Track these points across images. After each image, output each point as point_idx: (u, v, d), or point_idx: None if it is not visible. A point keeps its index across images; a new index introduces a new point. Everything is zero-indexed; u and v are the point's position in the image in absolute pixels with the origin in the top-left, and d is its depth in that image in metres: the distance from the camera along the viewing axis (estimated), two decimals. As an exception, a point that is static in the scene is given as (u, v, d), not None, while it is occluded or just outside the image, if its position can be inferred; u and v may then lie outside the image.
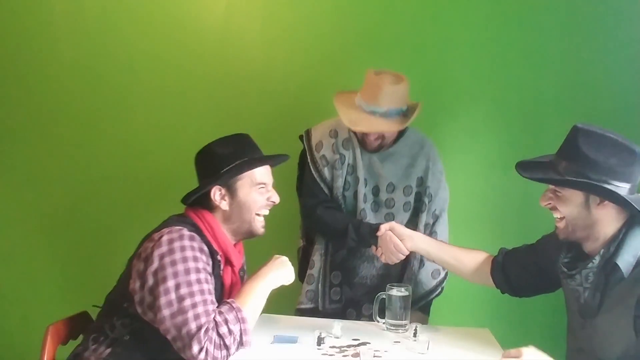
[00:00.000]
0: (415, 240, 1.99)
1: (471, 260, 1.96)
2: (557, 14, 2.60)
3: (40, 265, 2.85)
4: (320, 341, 1.74)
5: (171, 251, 1.52)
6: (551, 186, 1.60)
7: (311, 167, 2.17)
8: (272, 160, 1.80)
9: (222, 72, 2.75)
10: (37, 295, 2.84)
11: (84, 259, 2.82)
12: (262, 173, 1.73)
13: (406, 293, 1.93)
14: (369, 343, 1.78)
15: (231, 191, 1.69)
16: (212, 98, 2.76)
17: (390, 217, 2.17)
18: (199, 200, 1.71)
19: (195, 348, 1.45)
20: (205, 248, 1.60)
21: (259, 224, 1.75)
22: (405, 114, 2.09)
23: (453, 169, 2.63)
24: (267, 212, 1.76)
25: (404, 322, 1.92)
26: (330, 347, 1.72)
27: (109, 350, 1.58)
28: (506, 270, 1.88)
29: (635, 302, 1.44)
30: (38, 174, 2.86)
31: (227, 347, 1.50)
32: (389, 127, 2.07)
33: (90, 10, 2.79)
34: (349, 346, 1.74)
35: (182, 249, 1.53)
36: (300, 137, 2.27)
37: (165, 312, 1.48)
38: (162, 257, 1.52)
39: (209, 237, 1.66)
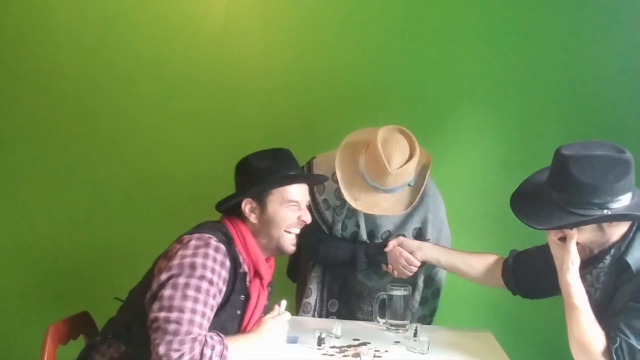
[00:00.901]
0: (424, 251, 2.00)
1: (482, 263, 1.96)
2: (557, 14, 2.60)
3: (40, 265, 2.85)
4: (320, 341, 1.73)
5: (194, 255, 1.52)
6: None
7: (312, 208, 2.07)
8: (308, 179, 1.79)
9: (222, 73, 2.75)
10: (37, 295, 2.84)
11: (84, 259, 2.81)
12: (296, 191, 1.70)
13: (406, 293, 1.93)
14: (369, 343, 1.77)
15: (261, 205, 1.67)
16: (212, 99, 2.76)
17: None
18: (234, 210, 1.70)
19: (175, 346, 1.41)
20: (228, 263, 1.58)
21: (288, 242, 1.71)
22: (413, 182, 2.00)
23: (453, 169, 2.63)
24: (297, 231, 1.73)
25: (404, 322, 1.93)
26: (331, 347, 1.72)
27: (124, 348, 1.57)
28: (517, 272, 1.88)
29: (630, 294, 1.47)
30: (38, 174, 2.86)
31: None
32: (393, 210, 1.97)
33: (91, 12, 2.79)
34: (349, 346, 1.74)
35: (205, 256, 1.52)
36: (302, 169, 2.14)
37: (165, 303, 1.46)
38: (183, 257, 1.52)
39: (239, 247, 1.64)
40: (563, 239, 1.56)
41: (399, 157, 1.88)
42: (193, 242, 1.55)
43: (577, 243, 1.56)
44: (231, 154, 2.72)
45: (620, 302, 1.50)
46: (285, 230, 1.69)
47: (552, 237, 1.59)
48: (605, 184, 1.47)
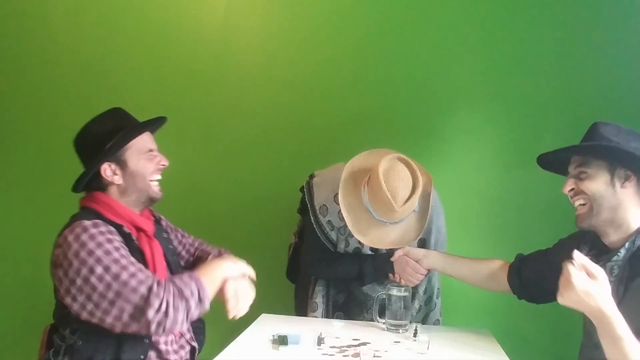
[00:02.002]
0: (430, 259, 2.01)
1: (487, 269, 1.96)
2: (557, 13, 2.60)
3: (40, 265, 2.84)
4: (320, 341, 1.74)
5: (83, 245, 1.49)
6: (574, 172, 1.59)
7: (316, 228, 2.08)
8: (153, 125, 1.78)
9: (221, 71, 2.75)
10: (37, 295, 2.83)
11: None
12: (147, 140, 1.72)
13: (406, 293, 1.94)
14: (369, 343, 1.78)
15: (121, 164, 1.66)
16: (211, 98, 2.76)
17: None
18: (89, 186, 1.69)
19: (156, 303, 1.43)
20: (112, 229, 1.58)
21: (155, 189, 1.72)
22: (417, 207, 1.98)
23: (453, 168, 2.63)
24: (159, 177, 1.74)
25: (404, 322, 1.93)
26: (331, 347, 1.72)
27: (67, 358, 1.57)
28: (522, 275, 1.87)
29: None
30: (38, 174, 2.86)
31: (186, 299, 1.48)
32: (403, 242, 1.97)
33: (91, 13, 2.79)
34: (349, 346, 1.74)
35: (92, 237, 1.50)
36: (302, 189, 2.17)
37: (110, 295, 1.45)
38: (77, 254, 1.49)
39: (109, 216, 1.62)
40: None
41: (403, 190, 1.86)
42: (71, 237, 1.51)
43: (584, 204, 1.56)
44: (231, 152, 2.77)
45: (634, 299, 1.47)
46: (150, 180, 1.70)
47: (565, 189, 1.59)
48: (627, 145, 1.51)
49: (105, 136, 1.65)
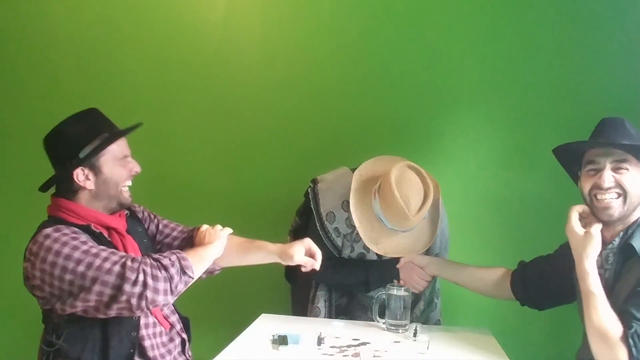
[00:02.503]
0: (435, 266, 2.03)
1: (492, 276, 1.97)
2: (557, 13, 2.60)
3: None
4: (320, 341, 1.74)
5: (48, 249, 1.48)
6: (612, 166, 1.59)
7: (322, 235, 2.07)
8: (130, 131, 1.75)
9: (221, 72, 2.75)
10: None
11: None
12: (122, 145, 1.69)
13: (406, 293, 1.93)
14: (369, 343, 1.78)
15: (95, 169, 1.62)
16: (211, 98, 2.76)
17: None
18: (58, 188, 1.67)
19: (132, 276, 1.43)
20: (76, 228, 1.56)
21: (126, 195, 1.70)
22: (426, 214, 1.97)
23: (453, 168, 2.63)
24: (130, 183, 1.72)
25: (404, 322, 1.92)
26: (331, 347, 1.72)
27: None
28: (525, 281, 1.89)
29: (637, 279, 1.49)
30: (38, 174, 2.83)
31: (165, 268, 1.47)
32: (415, 249, 1.98)
33: (91, 13, 2.79)
34: (349, 346, 1.74)
35: (56, 240, 1.49)
36: (306, 195, 2.16)
37: (87, 283, 1.44)
38: (44, 260, 1.47)
39: (75, 221, 1.60)
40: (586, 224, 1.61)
41: (416, 199, 1.86)
42: (35, 247, 1.50)
43: (619, 196, 1.58)
44: (231, 152, 2.76)
45: (625, 286, 1.52)
46: (122, 187, 1.67)
47: (606, 184, 1.59)
48: None
49: (80, 139, 1.61)
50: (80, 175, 1.61)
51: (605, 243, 1.61)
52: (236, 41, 2.75)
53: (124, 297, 1.43)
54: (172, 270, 1.48)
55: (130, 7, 2.78)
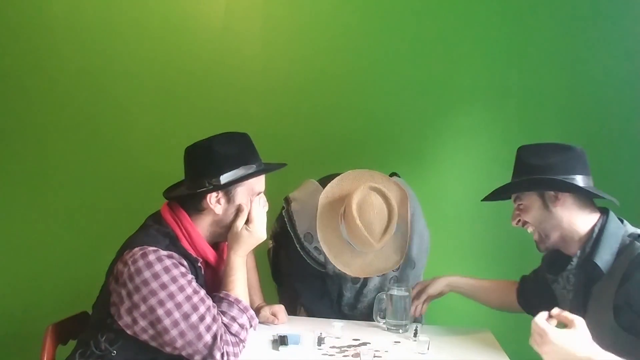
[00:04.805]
0: (449, 289, 1.99)
1: (500, 291, 1.98)
2: (557, 13, 2.60)
3: (41, 265, 2.85)
4: (320, 341, 1.73)
5: (155, 276, 1.46)
6: (515, 205, 1.69)
7: (303, 254, 2.09)
8: (273, 169, 1.74)
9: (221, 73, 2.75)
10: (37, 295, 2.83)
11: (85, 259, 2.81)
12: (261, 182, 1.68)
13: (406, 293, 1.94)
14: (369, 343, 1.78)
15: (228, 197, 1.61)
16: (211, 99, 2.76)
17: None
18: (182, 196, 1.65)
19: (218, 356, 1.47)
20: (184, 261, 1.55)
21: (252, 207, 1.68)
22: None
23: (453, 168, 2.63)
24: None
25: (404, 322, 1.92)
26: (331, 347, 1.72)
27: None
28: (526, 295, 1.90)
29: (614, 292, 1.47)
30: (38, 174, 2.85)
31: (242, 341, 1.55)
32: (387, 267, 1.99)
33: (91, 12, 2.79)
34: (349, 346, 1.74)
35: (167, 270, 1.48)
36: (280, 217, 2.15)
37: (174, 332, 1.46)
38: (146, 283, 1.46)
39: (186, 245, 1.59)
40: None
41: (379, 224, 1.88)
42: (141, 263, 1.47)
43: (533, 230, 1.65)
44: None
45: (601, 307, 1.51)
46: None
47: (513, 223, 1.69)
48: (547, 164, 1.59)
49: (226, 163, 1.60)
50: (213, 198, 1.60)
51: (564, 262, 1.63)
52: (236, 42, 2.75)
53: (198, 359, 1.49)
54: (246, 337, 1.57)
55: (130, 7, 2.78)
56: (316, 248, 2.07)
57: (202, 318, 1.47)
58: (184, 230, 1.60)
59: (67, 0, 2.81)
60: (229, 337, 1.51)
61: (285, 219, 2.11)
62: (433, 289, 1.98)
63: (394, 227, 1.90)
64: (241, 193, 1.62)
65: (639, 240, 1.52)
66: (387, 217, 1.89)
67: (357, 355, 1.65)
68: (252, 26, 2.74)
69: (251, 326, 1.59)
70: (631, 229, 1.58)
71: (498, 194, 1.70)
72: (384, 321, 1.95)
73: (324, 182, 2.09)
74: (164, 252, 1.50)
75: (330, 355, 1.66)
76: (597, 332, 1.51)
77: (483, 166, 2.65)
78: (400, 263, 2.02)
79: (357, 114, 2.69)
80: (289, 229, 2.10)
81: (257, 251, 2.49)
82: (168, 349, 1.49)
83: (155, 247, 1.51)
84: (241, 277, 1.61)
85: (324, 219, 1.97)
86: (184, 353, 1.49)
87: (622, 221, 1.60)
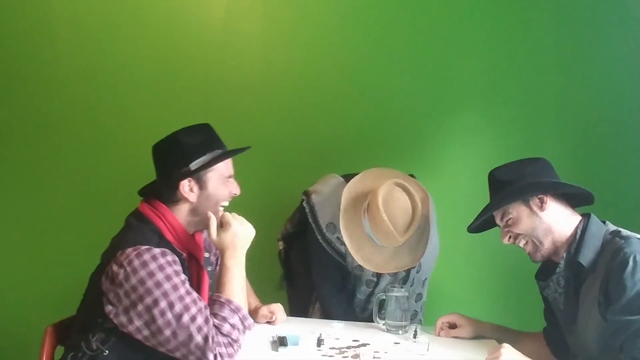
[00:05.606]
0: (480, 329, 1.93)
1: (532, 343, 1.85)
2: (557, 13, 2.60)
3: (40, 265, 2.85)
4: (320, 342, 1.73)
5: (151, 274, 1.48)
6: (502, 223, 1.70)
7: (324, 245, 2.12)
8: (239, 152, 1.76)
9: (221, 72, 2.74)
10: (37, 295, 2.83)
11: (85, 259, 2.80)
12: (229, 165, 1.71)
13: (406, 294, 1.94)
14: (369, 344, 1.78)
15: (200, 183, 1.64)
16: (212, 99, 2.75)
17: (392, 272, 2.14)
18: (156, 191, 1.67)
19: (211, 356, 1.47)
20: (176, 257, 1.57)
21: (221, 214, 1.70)
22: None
23: (453, 168, 2.63)
24: (227, 204, 1.73)
25: (403, 323, 1.92)
26: (330, 348, 1.72)
27: None
28: (556, 345, 1.81)
29: (598, 288, 1.52)
30: (38, 174, 2.85)
31: (235, 341, 1.53)
32: (408, 263, 2.00)
33: (90, 12, 2.79)
34: (348, 347, 1.73)
35: (161, 268, 1.50)
36: (301, 209, 2.18)
37: (167, 333, 1.47)
38: (142, 281, 1.48)
39: (171, 239, 1.62)
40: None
41: (403, 218, 1.91)
42: (137, 262, 1.49)
43: (526, 242, 1.67)
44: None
45: (589, 300, 1.55)
46: (220, 206, 1.69)
47: (504, 241, 1.71)
48: (522, 176, 1.64)
49: (194, 150, 1.64)
50: (186, 186, 1.63)
51: (553, 266, 1.66)
52: (236, 41, 2.74)
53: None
54: (240, 339, 1.55)
55: (130, 8, 2.77)
56: (338, 238, 2.09)
57: (193, 319, 1.48)
58: (167, 224, 1.63)
59: (68, -1, 2.82)
60: (220, 339, 1.50)
61: (307, 210, 2.13)
62: (463, 335, 1.91)
63: (417, 223, 1.92)
64: (212, 178, 1.65)
65: (619, 235, 1.56)
66: (411, 212, 1.91)
67: (356, 356, 1.65)
68: (252, 26, 2.74)
69: (244, 326, 1.57)
70: (612, 227, 1.63)
71: (484, 215, 1.70)
72: (384, 322, 1.95)
73: (345, 178, 2.12)
74: (157, 250, 1.52)
75: (329, 356, 1.66)
76: (588, 328, 1.54)
77: (481, 169, 2.64)
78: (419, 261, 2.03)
79: (357, 114, 2.68)
80: (309, 220, 2.13)
81: (264, 254, 2.52)
82: (163, 350, 1.50)
83: (148, 245, 1.53)
84: (233, 279, 1.60)
85: (348, 213, 2.00)
86: (178, 354, 1.49)
87: (604, 222, 1.65)
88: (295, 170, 2.66)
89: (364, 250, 1.98)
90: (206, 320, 1.50)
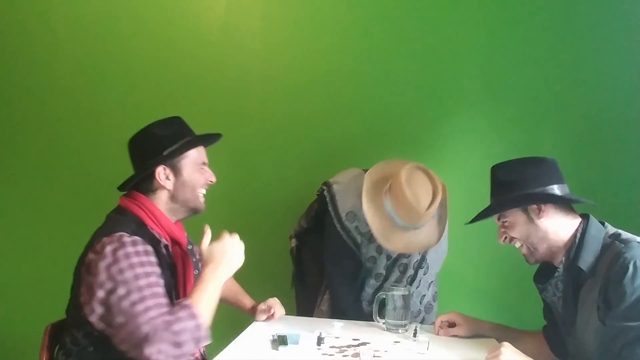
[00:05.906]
0: (479, 328, 1.94)
1: (532, 344, 1.83)
2: (557, 13, 2.60)
3: (40, 265, 2.85)
4: (320, 341, 1.74)
5: (116, 260, 1.48)
6: (499, 223, 1.71)
7: (342, 233, 2.15)
8: (211, 139, 1.80)
9: (221, 72, 2.75)
10: (37, 295, 2.83)
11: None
12: (202, 153, 1.74)
13: (406, 292, 1.94)
14: (369, 343, 1.78)
15: (175, 170, 1.67)
16: (212, 98, 2.76)
17: (402, 268, 2.20)
18: (135, 185, 1.70)
19: (148, 350, 1.40)
20: (150, 248, 1.55)
21: (201, 200, 1.74)
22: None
23: (453, 168, 2.63)
24: (205, 191, 1.75)
25: (403, 322, 1.93)
26: (330, 347, 1.72)
27: None
28: (554, 344, 1.81)
29: (597, 292, 1.51)
30: (39, 174, 2.86)
31: (181, 344, 1.44)
32: (427, 244, 2.06)
33: (91, 12, 2.79)
34: (349, 346, 1.74)
35: (127, 256, 1.49)
36: (322, 196, 2.21)
37: (120, 319, 1.43)
38: (108, 268, 1.47)
39: (150, 224, 1.63)
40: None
41: (425, 197, 1.97)
42: (108, 248, 1.49)
43: (521, 245, 1.67)
44: (230, 153, 2.76)
45: (588, 304, 1.54)
46: (197, 192, 1.71)
47: (500, 241, 1.72)
48: (523, 178, 1.62)
49: (166, 140, 1.67)
50: (161, 173, 1.66)
51: (551, 270, 1.66)
52: (236, 44, 2.75)
53: (132, 352, 1.43)
54: (188, 346, 1.45)
55: (130, 6, 2.78)
56: (357, 228, 2.13)
57: (146, 310, 1.43)
58: (147, 212, 1.65)
59: (68, -1, 2.82)
60: (167, 335, 1.42)
61: (327, 199, 2.18)
62: (464, 331, 1.92)
63: (438, 201, 1.98)
64: (186, 165, 1.68)
65: (619, 239, 1.55)
66: (432, 193, 1.98)
67: (356, 355, 1.65)
68: (252, 26, 2.74)
69: (198, 336, 1.47)
70: (612, 229, 1.62)
71: (482, 217, 1.71)
72: (384, 321, 1.95)
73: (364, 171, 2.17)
74: (128, 238, 1.52)
75: (329, 355, 1.66)
76: (587, 332, 1.53)
77: (483, 166, 2.64)
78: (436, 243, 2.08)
79: (357, 115, 2.68)
80: (329, 209, 2.17)
81: (272, 252, 2.53)
82: (116, 341, 1.45)
83: (122, 231, 1.54)
84: (205, 290, 1.55)
85: (369, 194, 2.06)
86: (123, 347, 1.44)
87: (603, 224, 1.63)
88: (297, 171, 2.66)
89: (385, 230, 2.02)
90: (160, 314, 1.44)
